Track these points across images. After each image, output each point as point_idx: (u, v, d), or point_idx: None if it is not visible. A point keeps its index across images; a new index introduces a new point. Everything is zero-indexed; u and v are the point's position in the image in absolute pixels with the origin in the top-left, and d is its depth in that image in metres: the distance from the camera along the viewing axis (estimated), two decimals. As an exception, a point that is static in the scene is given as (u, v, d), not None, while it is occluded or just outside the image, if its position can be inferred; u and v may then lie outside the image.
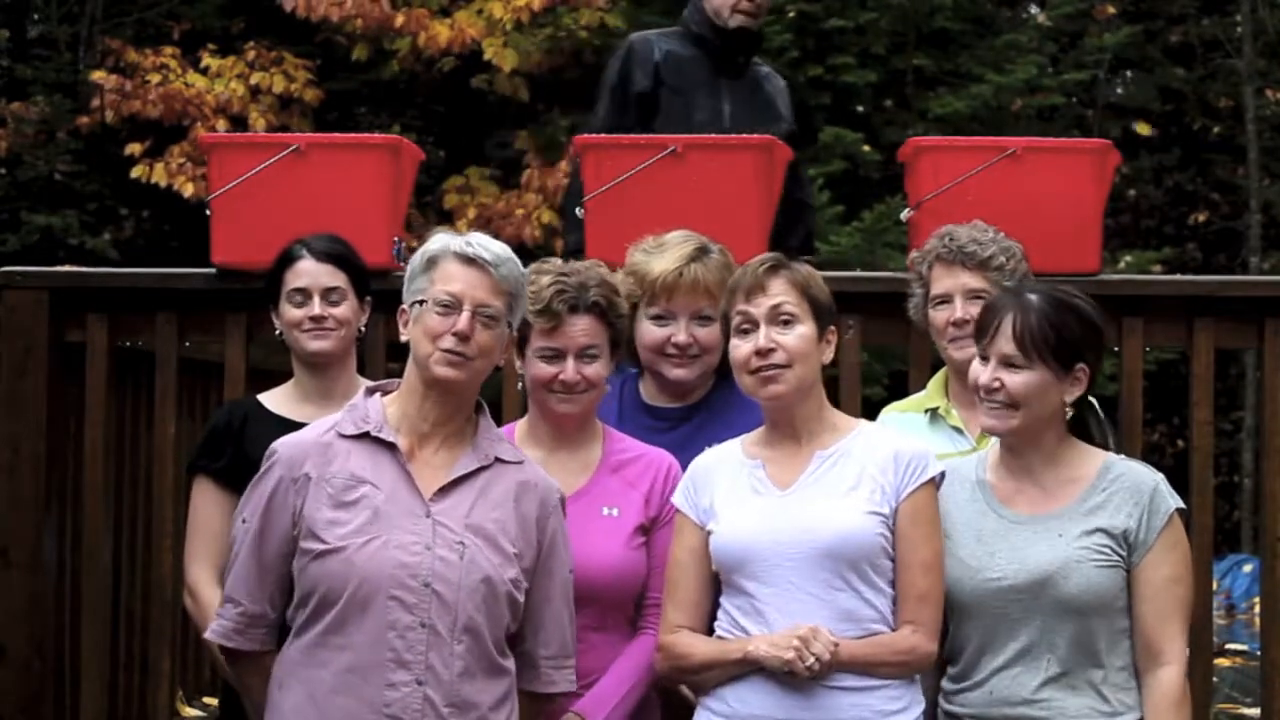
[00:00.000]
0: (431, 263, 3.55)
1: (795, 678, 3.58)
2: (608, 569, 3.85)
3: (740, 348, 3.73)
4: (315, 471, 3.50)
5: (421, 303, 3.53)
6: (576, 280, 3.91)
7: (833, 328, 3.79)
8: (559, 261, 4.04)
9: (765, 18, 6.29)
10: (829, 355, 3.79)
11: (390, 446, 3.52)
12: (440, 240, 3.58)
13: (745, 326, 3.73)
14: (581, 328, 3.91)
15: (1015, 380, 3.70)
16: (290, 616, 3.53)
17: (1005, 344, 3.70)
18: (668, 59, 5.96)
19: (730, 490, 3.74)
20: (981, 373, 3.73)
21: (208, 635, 3.66)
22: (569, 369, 3.90)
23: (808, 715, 3.60)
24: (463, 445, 3.57)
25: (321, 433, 3.57)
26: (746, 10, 6.00)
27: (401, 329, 3.59)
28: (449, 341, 3.49)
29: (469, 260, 3.53)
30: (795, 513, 3.66)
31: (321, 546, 3.45)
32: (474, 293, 3.51)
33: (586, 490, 3.93)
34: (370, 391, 3.63)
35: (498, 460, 3.57)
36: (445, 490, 3.51)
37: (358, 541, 3.44)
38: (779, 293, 3.72)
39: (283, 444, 3.57)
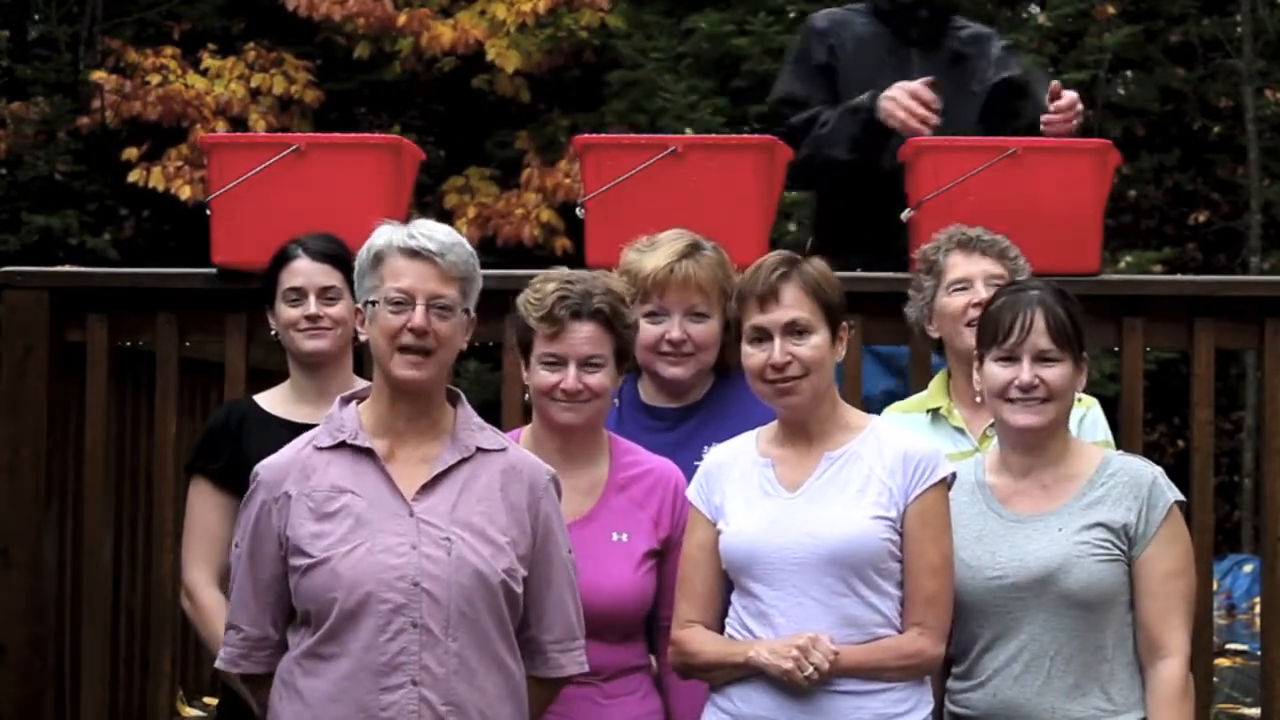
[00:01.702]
0: (378, 259, 3.53)
1: (796, 685, 3.58)
2: (619, 595, 3.84)
3: (754, 357, 3.72)
4: (295, 488, 3.48)
5: (374, 303, 3.51)
6: (581, 288, 3.87)
7: (845, 324, 3.79)
8: (566, 269, 4.01)
9: None
10: (842, 352, 3.79)
11: (368, 453, 3.50)
12: (384, 234, 3.55)
13: (758, 336, 3.73)
14: (584, 335, 3.87)
15: (1052, 374, 3.73)
16: (291, 631, 3.53)
17: (1042, 339, 3.73)
18: (844, 39, 5.66)
19: (740, 490, 3.74)
20: (1021, 371, 3.72)
21: (217, 664, 3.66)
22: (570, 377, 3.86)
23: (809, 719, 3.60)
24: (441, 439, 3.54)
25: (300, 449, 3.55)
26: None
27: (360, 329, 3.58)
28: (407, 338, 3.47)
29: (414, 253, 3.50)
30: (800, 517, 3.66)
31: (307, 561, 3.44)
32: (425, 285, 3.49)
33: (595, 514, 3.91)
34: (346, 400, 3.61)
35: (479, 450, 3.54)
36: (427, 488, 3.49)
37: (342, 550, 3.43)
38: (791, 303, 3.70)
39: (264, 466, 3.56)
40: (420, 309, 3.47)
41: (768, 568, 3.65)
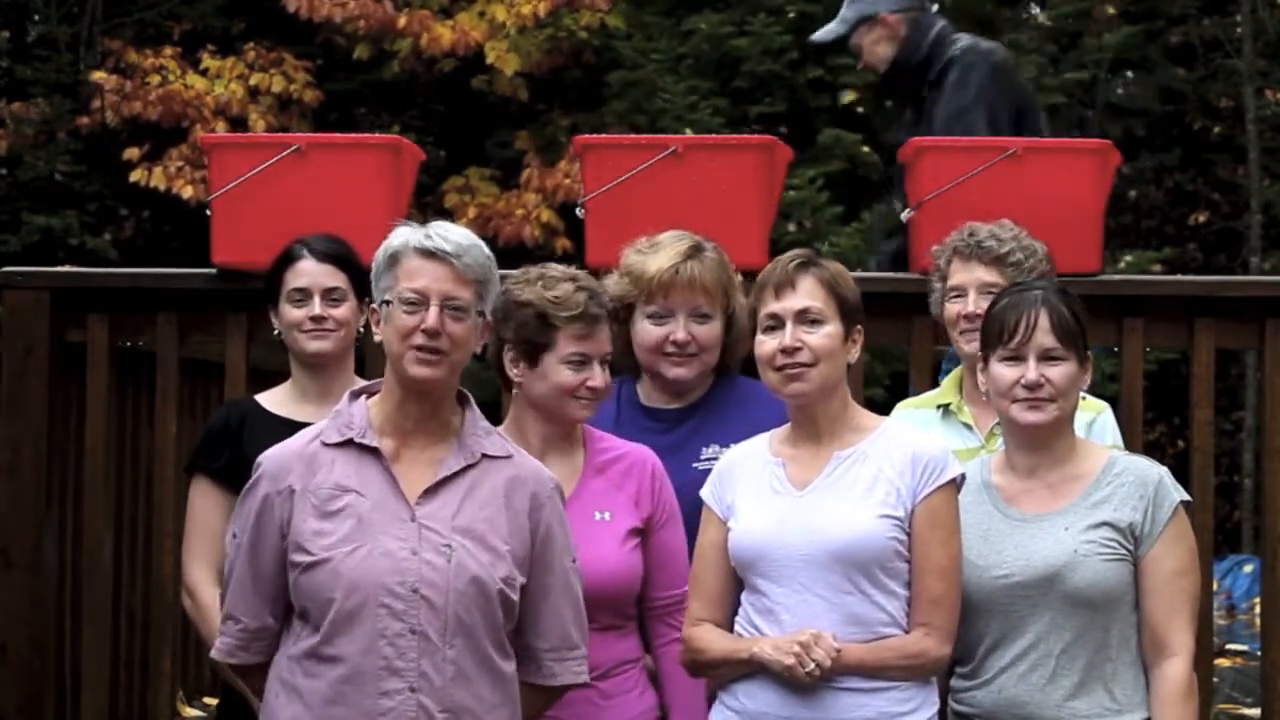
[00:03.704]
0: (394, 260, 3.51)
1: (798, 681, 3.58)
2: (605, 573, 3.85)
3: (766, 344, 3.73)
4: (300, 483, 3.47)
5: (388, 302, 3.51)
6: (592, 285, 3.93)
7: (859, 327, 3.79)
8: (557, 267, 4.01)
9: (885, 61, 6.41)
10: (855, 354, 3.79)
11: (374, 452, 3.50)
12: (401, 235, 3.54)
13: (772, 324, 3.73)
14: (606, 335, 3.93)
15: (1057, 372, 3.74)
16: (286, 626, 3.52)
17: (1046, 338, 3.73)
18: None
19: (750, 488, 3.75)
20: (1027, 370, 3.73)
21: (213, 654, 3.65)
22: (597, 375, 3.90)
23: (811, 715, 3.60)
24: (448, 442, 3.53)
25: (306, 442, 3.53)
26: (865, 62, 6.48)
27: (375, 329, 3.57)
28: (419, 339, 3.45)
29: (430, 254, 3.48)
30: (808, 515, 3.66)
31: (308, 559, 3.43)
32: (440, 286, 3.47)
33: (576, 496, 3.92)
34: (355, 395, 3.60)
35: (484, 457, 3.54)
36: (431, 492, 3.48)
37: (343, 551, 3.42)
38: (807, 292, 3.72)
39: (267, 457, 3.54)
40: (434, 310, 3.46)
41: (774, 565, 3.65)
